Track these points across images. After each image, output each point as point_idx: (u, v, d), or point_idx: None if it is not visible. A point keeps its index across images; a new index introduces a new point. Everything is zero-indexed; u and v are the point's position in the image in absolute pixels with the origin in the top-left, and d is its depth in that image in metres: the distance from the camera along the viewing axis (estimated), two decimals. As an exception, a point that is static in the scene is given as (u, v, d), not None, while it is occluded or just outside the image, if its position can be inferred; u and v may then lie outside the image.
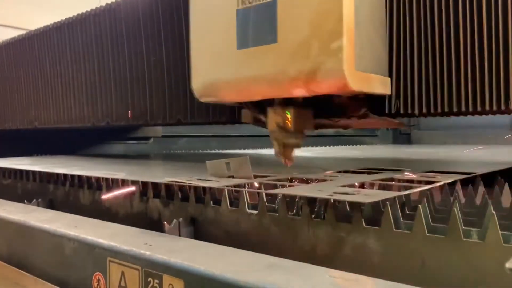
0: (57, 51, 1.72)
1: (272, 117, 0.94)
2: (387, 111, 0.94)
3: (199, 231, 0.88)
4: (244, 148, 2.69)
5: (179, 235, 0.85)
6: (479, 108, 0.86)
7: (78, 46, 1.62)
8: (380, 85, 0.88)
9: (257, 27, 0.85)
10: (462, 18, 0.87)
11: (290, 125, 0.92)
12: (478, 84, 0.86)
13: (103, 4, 1.52)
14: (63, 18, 1.67)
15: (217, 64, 0.93)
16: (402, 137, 3.87)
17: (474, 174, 0.98)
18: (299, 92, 0.84)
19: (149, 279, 0.62)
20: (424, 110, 0.91)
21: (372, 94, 0.89)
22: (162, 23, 1.32)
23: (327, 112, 0.97)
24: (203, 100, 1.00)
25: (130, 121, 1.48)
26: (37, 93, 1.83)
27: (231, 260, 0.60)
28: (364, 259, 0.66)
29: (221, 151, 2.62)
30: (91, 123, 1.61)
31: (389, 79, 0.91)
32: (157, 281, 0.61)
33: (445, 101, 0.89)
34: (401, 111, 0.93)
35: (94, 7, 1.54)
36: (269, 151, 2.33)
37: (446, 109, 0.89)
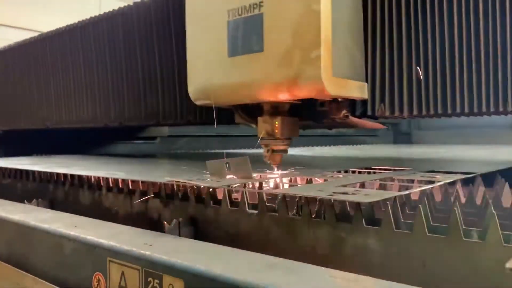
0: (69, 53, 1.74)
1: (262, 125, 1.03)
2: (370, 114, 1.02)
3: (199, 231, 0.88)
4: (245, 148, 2.69)
5: (179, 235, 0.85)
6: (458, 110, 0.92)
7: (90, 47, 1.65)
8: (357, 90, 0.97)
9: (246, 37, 0.94)
10: (430, 25, 0.93)
11: (278, 133, 1.01)
12: (459, 87, 0.91)
13: (103, 7, 1.54)
14: (76, 21, 1.70)
15: (210, 70, 1.02)
16: (403, 137, 3.88)
17: (474, 174, 0.98)
18: (283, 96, 0.93)
19: (149, 279, 0.62)
20: (412, 112, 0.97)
21: (350, 98, 0.98)
22: (173, 25, 1.36)
23: (311, 115, 1.06)
24: (198, 103, 1.09)
25: (142, 122, 1.52)
26: (49, 93, 1.86)
27: (231, 260, 0.60)
28: (364, 259, 0.66)
29: (223, 150, 2.62)
30: (104, 123, 1.65)
31: (366, 84, 0.99)
32: (157, 281, 0.61)
33: (433, 103, 0.94)
34: (386, 114, 1.00)
35: (106, 11, 1.58)
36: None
37: (432, 111, 0.95)
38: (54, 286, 0.77)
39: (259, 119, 1.04)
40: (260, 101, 1.01)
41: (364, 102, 1.01)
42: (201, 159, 1.33)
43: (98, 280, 0.70)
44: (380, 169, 1.17)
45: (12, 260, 0.90)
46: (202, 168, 1.01)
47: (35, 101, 1.95)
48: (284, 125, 1.02)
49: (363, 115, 1.04)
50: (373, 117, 1.05)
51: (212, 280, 0.55)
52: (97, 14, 1.63)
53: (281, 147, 1.04)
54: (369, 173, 1.14)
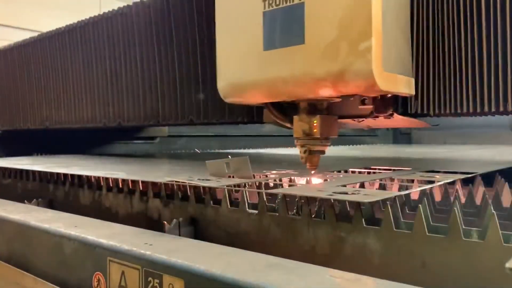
0: (69, 53, 1.75)
1: (298, 125, 0.96)
2: (409, 111, 0.97)
3: (199, 231, 0.89)
4: (245, 148, 2.69)
5: (179, 235, 0.85)
6: (486, 109, 0.89)
7: (90, 48, 1.65)
8: (405, 85, 0.90)
9: (284, 28, 0.87)
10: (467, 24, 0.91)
11: (317, 132, 0.94)
12: (486, 86, 0.89)
13: (103, 7, 1.54)
14: (75, 21, 1.71)
15: (243, 65, 0.94)
16: (403, 137, 3.88)
17: (474, 174, 0.98)
18: (326, 92, 0.85)
19: (149, 278, 0.62)
20: (438, 111, 0.94)
21: (398, 95, 0.91)
22: (173, 25, 1.35)
23: (352, 113, 0.99)
24: (228, 100, 1.02)
25: (142, 122, 1.51)
26: (49, 94, 1.87)
27: (231, 260, 0.60)
28: (364, 259, 0.66)
29: (222, 150, 2.63)
30: (103, 123, 1.64)
31: (413, 79, 0.92)
32: (157, 280, 0.61)
33: (462, 102, 0.91)
34: (418, 111, 0.95)
35: (106, 11, 1.58)
36: (269, 151, 2.33)
37: (459, 110, 0.92)
38: (54, 286, 0.77)
39: (295, 118, 0.97)
40: (299, 98, 0.94)
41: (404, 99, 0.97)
42: (201, 159, 1.33)
43: (98, 280, 0.70)
44: (380, 169, 1.17)
45: (12, 260, 0.90)
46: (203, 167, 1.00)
47: (34, 101, 1.96)
48: (323, 124, 0.95)
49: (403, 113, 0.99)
50: (407, 115, 1.00)
51: (212, 280, 0.55)
52: (97, 14, 1.63)
53: (320, 148, 0.98)
54: (369, 173, 1.14)
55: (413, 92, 0.93)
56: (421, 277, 0.61)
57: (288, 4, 0.86)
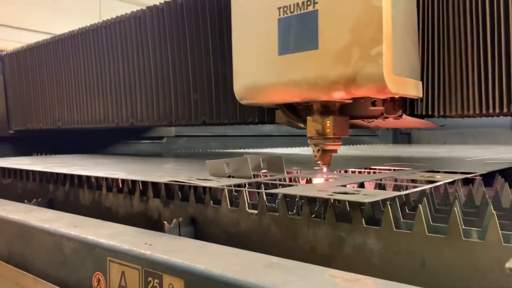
0: (81, 55, 1.78)
1: (312, 125, 1.01)
2: (417, 113, 1.01)
3: (199, 231, 0.89)
4: (245, 148, 2.69)
5: (179, 235, 0.85)
6: (491, 111, 0.92)
7: (102, 50, 1.68)
8: (414, 88, 0.94)
9: (298, 34, 0.91)
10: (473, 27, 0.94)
11: (330, 132, 0.99)
12: (491, 89, 0.92)
13: (103, 16, 1.55)
14: (88, 25, 1.74)
15: (258, 69, 1.00)
16: (402, 137, 3.88)
17: (474, 174, 0.98)
18: (339, 94, 0.90)
19: (149, 278, 0.62)
20: (443, 112, 0.97)
21: (406, 97, 0.96)
22: (186, 28, 1.38)
23: (363, 114, 1.04)
24: (243, 102, 1.07)
25: (155, 122, 1.53)
26: (61, 94, 1.90)
27: (231, 260, 0.60)
28: (364, 259, 0.66)
29: (222, 150, 2.63)
30: (115, 123, 1.67)
31: (421, 83, 0.97)
32: (157, 280, 0.61)
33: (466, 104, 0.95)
34: (423, 113, 0.99)
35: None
36: (269, 151, 2.33)
37: (464, 112, 0.95)
38: (54, 286, 0.77)
39: (309, 118, 1.02)
40: (312, 100, 0.99)
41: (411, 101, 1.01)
42: (204, 158, 1.33)
43: (98, 280, 0.70)
44: (380, 169, 1.17)
45: (12, 260, 0.90)
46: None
47: (47, 101, 1.99)
48: (336, 125, 1.00)
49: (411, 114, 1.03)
50: (417, 117, 1.04)
51: (212, 280, 0.55)
52: (96, 13, 1.64)
53: (332, 147, 1.03)
54: (369, 173, 1.14)
55: (421, 95, 0.97)
56: (421, 277, 0.61)
57: (302, 11, 0.90)
